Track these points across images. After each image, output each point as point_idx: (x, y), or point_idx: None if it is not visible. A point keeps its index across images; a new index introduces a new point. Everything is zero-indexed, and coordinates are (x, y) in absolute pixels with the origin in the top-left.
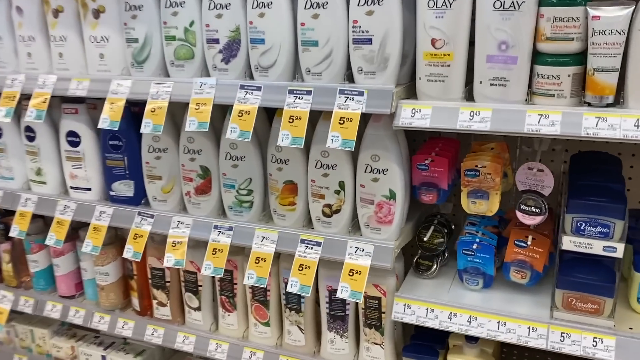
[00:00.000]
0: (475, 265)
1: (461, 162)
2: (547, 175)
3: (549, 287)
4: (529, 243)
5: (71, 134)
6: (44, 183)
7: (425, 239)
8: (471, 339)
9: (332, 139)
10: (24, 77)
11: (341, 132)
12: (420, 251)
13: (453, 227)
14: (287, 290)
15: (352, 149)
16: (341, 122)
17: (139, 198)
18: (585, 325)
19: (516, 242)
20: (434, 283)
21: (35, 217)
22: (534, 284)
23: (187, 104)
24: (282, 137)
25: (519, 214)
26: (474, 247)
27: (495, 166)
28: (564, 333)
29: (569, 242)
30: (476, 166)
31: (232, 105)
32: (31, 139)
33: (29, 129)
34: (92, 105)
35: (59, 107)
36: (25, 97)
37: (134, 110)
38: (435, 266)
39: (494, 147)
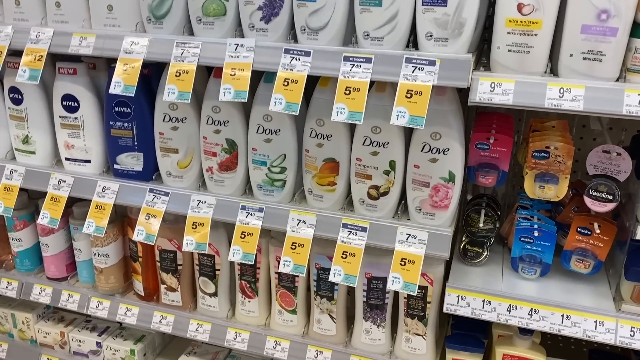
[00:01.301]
0: (533, 254)
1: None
2: (624, 159)
3: (601, 276)
4: (596, 231)
5: (68, 97)
6: (32, 153)
7: (479, 224)
8: (526, 331)
9: (398, 115)
10: (12, 29)
11: (409, 107)
12: (467, 237)
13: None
14: (330, 280)
15: (422, 127)
16: (408, 95)
17: (150, 173)
18: None
19: (579, 230)
20: (484, 271)
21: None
22: (595, 274)
23: (208, 67)
24: (337, 112)
25: (587, 200)
26: (535, 234)
27: (568, 148)
28: (634, 327)
29: None
30: (547, 147)
31: (272, 73)
32: (17, 101)
33: (14, 90)
34: (91, 64)
35: (51, 65)
36: (10, 53)
37: (144, 72)
38: (485, 253)
39: (555, 125)
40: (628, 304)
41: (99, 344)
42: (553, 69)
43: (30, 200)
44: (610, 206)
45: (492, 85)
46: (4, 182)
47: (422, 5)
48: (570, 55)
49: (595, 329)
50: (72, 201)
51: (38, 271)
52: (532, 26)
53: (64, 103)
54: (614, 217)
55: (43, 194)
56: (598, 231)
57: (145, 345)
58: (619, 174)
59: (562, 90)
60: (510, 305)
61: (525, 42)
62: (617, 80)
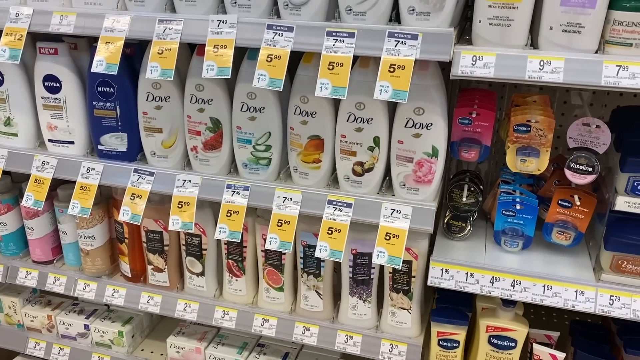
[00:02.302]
0: (515, 227)
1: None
2: (604, 132)
3: (582, 248)
4: (576, 203)
5: (49, 78)
6: (14, 135)
7: (462, 199)
8: (508, 303)
9: (381, 90)
10: None
11: (392, 81)
12: (451, 212)
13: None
14: (316, 255)
15: (405, 101)
16: (391, 69)
17: (134, 153)
18: (636, 288)
19: (560, 202)
20: (467, 245)
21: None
22: (575, 245)
23: (191, 44)
24: (321, 87)
25: (568, 173)
26: (517, 207)
27: (549, 121)
28: (613, 296)
29: (623, 203)
30: (528, 121)
31: (255, 50)
32: None
33: None
34: (73, 44)
35: (31, 46)
36: None
37: (126, 51)
38: (469, 227)
39: (537, 100)
40: (607, 273)
41: (86, 327)
42: (533, 42)
43: (14, 184)
44: (590, 178)
45: (474, 58)
46: None
47: None
48: (550, 28)
49: (576, 298)
50: (56, 184)
51: (23, 255)
52: None
53: (46, 84)
54: (594, 190)
55: (26, 177)
56: (578, 203)
57: (133, 326)
58: (599, 146)
59: (542, 63)
60: (493, 277)
61: (506, 15)
62: (596, 52)
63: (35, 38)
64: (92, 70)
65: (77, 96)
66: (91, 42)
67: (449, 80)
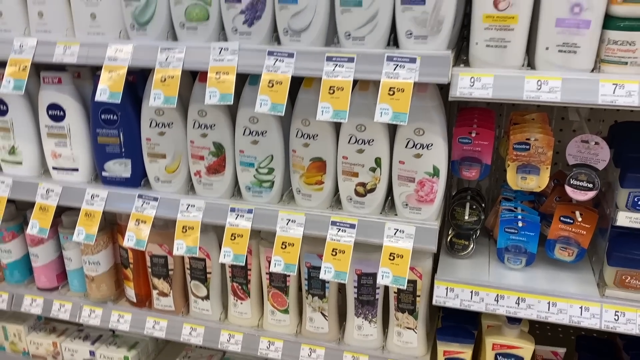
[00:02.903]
0: (518, 244)
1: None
2: (602, 148)
3: (585, 263)
4: (578, 219)
5: (53, 106)
6: (19, 163)
7: (464, 217)
8: (514, 320)
9: (382, 112)
10: None
11: (392, 104)
12: (454, 230)
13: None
14: (321, 277)
15: (406, 123)
16: (390, 92)
17: (138, 179)
18: None
19: (562, 219)
20: (471, 263)
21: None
22: (578, 261)
23: (193, 72)
24: (322, 111)
25: (568, 189)
26: (519, 224)
27: (548, 139)
28: (618, 312)
29: (624, 218)
30: (527, 139)
31: (256, 75)
32: (2, 112)
33: None
34: (76, 73)
35: (35, 75)
36: None
37: (129, 79)
38: (472, 245)
39: (535, 117)
40: (611, 289)
41: (92, 353)
42: (530, 62)
43: (18, 211)
44: (590, 194)
45: (472, 80)
46: None
47: (401, 4)
48: (546, 48)
49: (581, 314)
50: (60, 210)
51: (28, 282)
52: (508, 21)
53: (50, 112)
54: (594, 205)
55: (31, 205)
56: (580, 219)
57: (138, 351)
58: (598, 162)
59: (539, 83)
60: (497, 295)
61: (502, 37)
62: (592, 71)
63: (38, 67)
64: (95, 99)
65: (80, 124)
66: (94, 71)
67: (448, 100)
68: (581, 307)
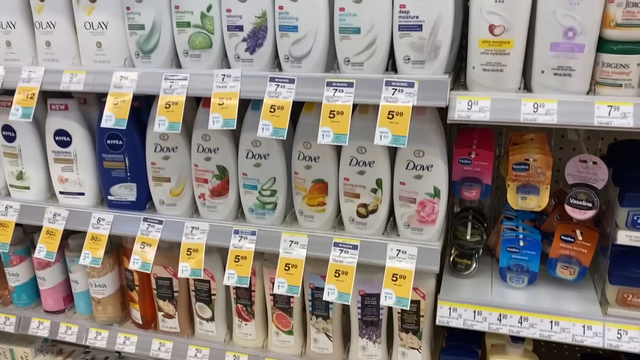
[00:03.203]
0: (520, 263)
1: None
2: (601, 167)
3: (587, 281)
4: (578, 238)
5: (60, 132)
6: (26, 188)
7: (467, 237)
8: (517, 339)
9: (381, 136)
10: (3, 69)
11: (391, 127)
12: (456, 250)
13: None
14: (324, 298)
15: (405, 146)
16: (390, 116)
17: (143, 202)
18: None
19: (562, 237)
20: (473, 282)
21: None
22: (580, 280)
23: (196, 97)
24: (323, 135)
25: (568, 209)
26: (520, 244)
27: (546, 159)
28: (620, 330)
29: (624, 237)
30: (526, 160)
31: (258, 100)
32: (10, 139)
33: (7, 127)
34: (82, 99)
35: (42, 102)
36: (2, 93)
37: (134, 104)
38: (474, 265)
39: (534, 137)
40: (613, 307)
41: None
42: (527, 85)
43: (26, 235)
44: (590, 213)
45: (469, 103)
46: (0, 218)
47: (399, 30)
48: (542, 72)
49: (584, 333)
50: (67, 234)
51: (35, 305)
52: (504, 46)
53: (57, 138)
54: (595, 224)
55: (38, 228)
56: (580, 238)
57: None
58: (597, 181)
59: (536, 105)
60: (500, 314)
61: (499, 61)
62: (588, 93)
63: (45, 94)
64: (101, 125)
65: (86, 149)
66: (100, 97)
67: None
68: (584, 326)
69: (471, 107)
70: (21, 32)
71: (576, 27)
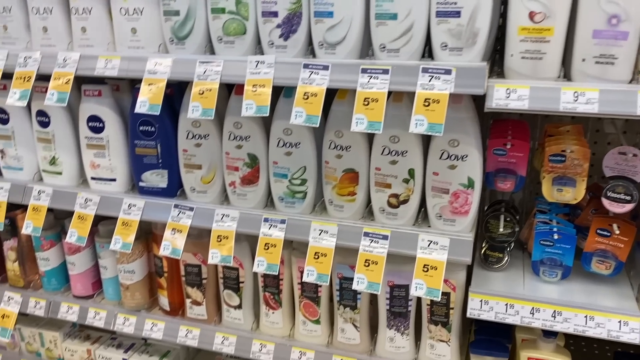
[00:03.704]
0: (553, 257)
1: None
2: None
3: (622, 277)
4: (615, 232)
5: (93, 118)
6: (59, 173)
7: (499, 229)
8: (549, 334)
9: (417, 123)
10: (40, 55)
11: (427, 115)
12: (487, 242)
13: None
14: (353, 287)
15: (441, 134)
16: (426, 103)
17: (174, 189)
18: None
19: (598, 231)
20: (505, 275)
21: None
22: (616, 275)
23: (228, 84)
24: (357, 122)
25: (605, 202)
26: (555, 237)
27: (584, 151)
28: None
29: None
30: (563, 151)
31: (290, 88)
32: (44, 124)
33: (41, 113)
34: (115, 86)
35: (76, 89)
36: (37, 78)
37: (166, 91)
38: (506, 258)
39: (570, 129)
40: None
41: None
42: (566, 74)
43: (56, 221)
44: (628, 207)
45: (508, 91)
46: (33, 202)
47: (437, 17)
48: (583, 60)
49: (620, 329)
50: (97, 220)
51: (65, 290)
52: (544, 33)
53: (90, 124)
54: (632, 218)
55: (68, 214)
56: (617, 232)
57: None
58: (636, 174)
59: (576, 94)
60: (533, 308)
61: (538, 48)
62: (630, 82)
63: (79, 80)
64: (135, 111)
65: (119, 135)
66: (132, 84)
67: (481, 111)
68: (619, 322)
69: (509, 96)
70: (57, 18)
71: (620, 14)
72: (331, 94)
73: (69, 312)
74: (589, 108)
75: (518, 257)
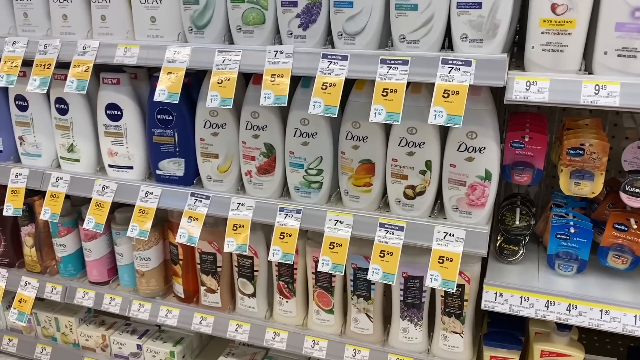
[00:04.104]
0: (569, 250)
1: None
2: None
3: (638, 272)
4: (633, 226)
5: (111, 106)
6: (76, 161)
7: (515, 222)
8: (563, 327)
9: (436, 115)
10: (60, 42)
11: (446, 106)
12: (503, 235)
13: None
14: (368, 278)
15: (460, 126)
16: (445, 95)
17: (191, 178)
18: None
19: (615, 226)
20: (520, 268)
21: None
22: (632, 270)
23: (245, 74)
24: (375, 113)
25: (623, 196)
26: (571, 230)
27: (603, 144)
28: None
29: None
30: (581, 144)
31: (308, 78)
32: (63, 112)
33: (60, 100)
34: (133, 74)
35: (94, 77)
36: (56, 66)
37: (184, 81)
38: (521, 251)
39: (589, 123)
40: None
41: (139, 347)
42: (587, 67)
43: (73, 207)
44: None
45: (528, 83)
46: (51, 189)
47: (457, 7)
48: (605, 53)
49: (635, 323)
50: (113, 207)
51: (81, 276)
52: (566, 25)
53: (108, 112)
54: None
55: (85, 201)
56: (635, 227)
57: (184, 347)
58: None
59: (597, 87)
60: (548, 301)
61: (560, 41)
62: None
63: (97, 68)
64: (154, 99)
65: (137, 123)
66: (150, 72)
67: (499, 104)
68: (635, 316)
69: (529, 88)
70: (77, 6)
71: None
72: (348, 85)
73: (84, 297)
74: (610, 101)
75: (533, 251)
